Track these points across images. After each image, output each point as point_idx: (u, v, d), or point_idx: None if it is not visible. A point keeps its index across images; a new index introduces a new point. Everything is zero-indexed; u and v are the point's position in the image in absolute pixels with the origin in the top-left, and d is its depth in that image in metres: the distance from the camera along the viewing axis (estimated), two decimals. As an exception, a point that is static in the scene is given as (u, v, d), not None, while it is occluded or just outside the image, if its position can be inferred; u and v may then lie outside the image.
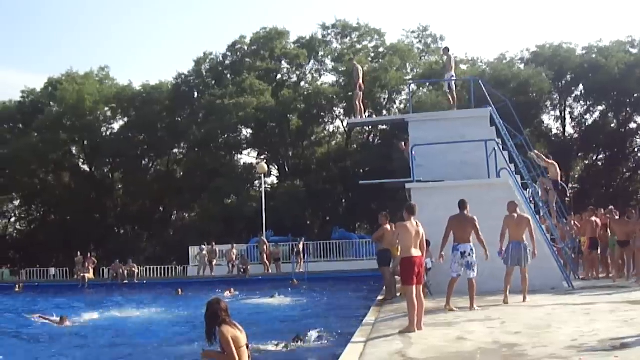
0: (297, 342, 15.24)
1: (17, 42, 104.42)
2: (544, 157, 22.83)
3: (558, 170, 22.28)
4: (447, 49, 24.17)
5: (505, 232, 16.08)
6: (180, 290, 32.95)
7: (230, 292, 30.44)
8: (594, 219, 21.60)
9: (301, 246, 40.08)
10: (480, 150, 19.13)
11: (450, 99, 23.40)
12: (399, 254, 20.43)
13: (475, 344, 10.68)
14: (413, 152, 19.47)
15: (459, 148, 19.97)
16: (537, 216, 19.82)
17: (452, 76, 23.30)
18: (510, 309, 14.66)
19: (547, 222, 21.13)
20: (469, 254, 14.72)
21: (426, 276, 17.06)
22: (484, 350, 10.16)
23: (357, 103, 23.88)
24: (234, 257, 40.50)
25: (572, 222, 23.76)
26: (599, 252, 21.88)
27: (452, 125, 21.17)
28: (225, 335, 8.32)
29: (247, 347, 8.64)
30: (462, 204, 15.06)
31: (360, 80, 23.92)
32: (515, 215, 16.29)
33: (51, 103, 60.87)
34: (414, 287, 12.44)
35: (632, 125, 55.62)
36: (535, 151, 23.40)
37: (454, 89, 23.61)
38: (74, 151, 64.07)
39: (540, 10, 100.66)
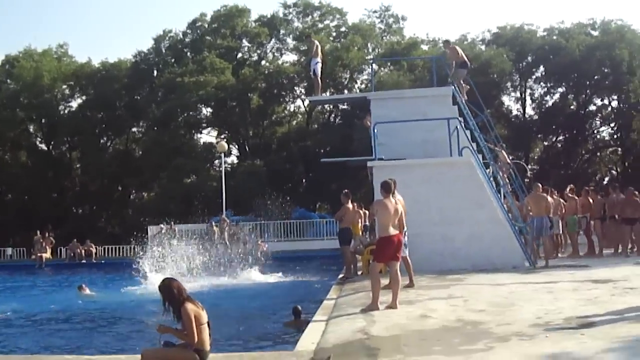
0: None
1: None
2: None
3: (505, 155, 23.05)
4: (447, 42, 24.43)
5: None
6: None
7: None
8: (550, 198, 21.71)
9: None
10: (443, 129, 19.03)
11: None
12: (360, 233, 20.58)
13: (438, 321, 10.62)
14: (375, 130, 19.34)
15: (422, 126, 19.88)
16: (499, 195, 19.84)
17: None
18: (473, 287, 14.65)
19: (508, 201, 21.19)
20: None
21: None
22: (447, 327, 10.08)
23: (317, 79, 23.47)
24: (216, 236, 39.80)
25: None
26: (559, 231, 22.16)
27: (415, 104, 21.09)
28: (188, 312, 8.34)
29: (209, 324, 8.60)
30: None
31: (319, 56, 23.49)
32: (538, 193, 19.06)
33: (8, 80, 59.69)
34: (393, 263, 12.38)
35: (592, 108, 56.13)
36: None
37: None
38: (31, 129, 62.96)
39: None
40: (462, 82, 22.59)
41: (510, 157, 25.39)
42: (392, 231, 12.23)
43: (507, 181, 22.58)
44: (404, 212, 12.94)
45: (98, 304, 21.34)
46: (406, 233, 14.34)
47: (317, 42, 24.24)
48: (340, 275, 19.47)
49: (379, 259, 12.56)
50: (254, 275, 27.12)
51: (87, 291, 23.96)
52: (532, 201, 20.07)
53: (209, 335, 8.65)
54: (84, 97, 61.64)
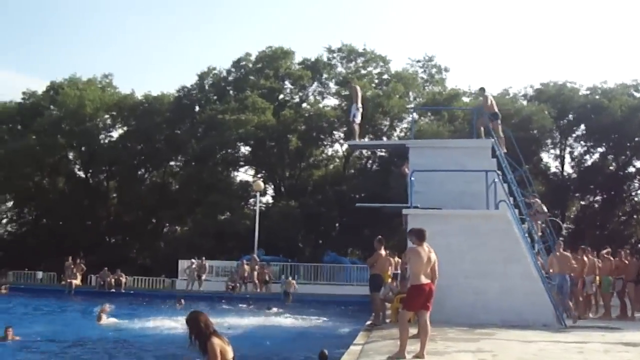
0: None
1: (24, 45, 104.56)
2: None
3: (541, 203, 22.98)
4: (482, 89, 24.25)
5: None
6: (182, 301, 32.41)
7: (181, 304, 30.86)
8: (584, 258, 21.52)
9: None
10: (481, 181, 18.91)
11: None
12: (389, 280, 20.43)
13: (466, 375, 10.46)
14: (412, 178, 19.27)
15: (459, 177, 19.76)
16: (533, 251, 19.64)
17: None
18: (502, 342, 14.42)
19: (542, 259, 20.96)
20: None
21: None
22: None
23: (355, 125, 23.36)
24: (246, 274, 40.04)
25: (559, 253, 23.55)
26: (592, 291, 21.87)
27: (453, 154, 20.97)
28: (214, 347, 8.29)
29: (234, 360, 8.55)
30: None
31: (359, 102, 23.39)
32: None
33: (51, 107, 60.45)
34: (423, 313, 12.23)
35: (631, 169, 55.46)
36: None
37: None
38: (71, 156, 63.74)
39: (546, 48, 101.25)
40: (501, 133, 22.48)
41: (547, 214, 25.13)
42: (424, 280, 12.09)
43: (539, 231, 22.34)
44: (437, 261, 12.80)
45: (122, 334, 21.35)
46: None
47: (358, 88, 24.20)
48: (369, 322, 19.31)
49: (409, 307, 12.42)
50: (281, 316, 27.02)
51: (106, 318, 24.08)
52: (555, 259, 19.93)
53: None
54: (124, 128, 62.37)
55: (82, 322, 24.86)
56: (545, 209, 23.79)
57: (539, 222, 22.70)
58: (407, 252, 13.08)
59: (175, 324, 21.71)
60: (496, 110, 23.17)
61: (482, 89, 24.19)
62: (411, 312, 12.53)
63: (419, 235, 12.40)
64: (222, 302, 33.99)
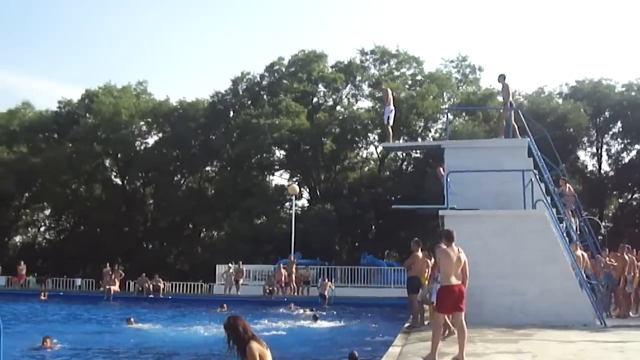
0: None
1: (59, 54, 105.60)
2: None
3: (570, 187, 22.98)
4: (502, 76, 22.81)
5: None
6: (224, 306, 32.43)
7: (223, 308, 30.88)
8: (627, 256, 21.31)
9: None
10: (517, 181, 18.76)
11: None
12: (426, 282, 20.35)
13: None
14: (448, 179, 19.20)
15: (495, 177, 19.64)
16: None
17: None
18: (541, 343, 14.32)
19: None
20: None
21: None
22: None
23: (389, 127, 23.25)
24: (283, 278, 40.12)
25: (607, 259, 23.31)
26: (632, 289, 21.60)
27: (489, 154, 20.82)
28: (254, 352, 8.29)
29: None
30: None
31: (392, 103, 23.18)
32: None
33: (87, 114, 60.98)
34: (457, 314, 12.16)
35: (669, 166, 54.83)
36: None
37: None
38: (107, 164, 64.21)
39: (581, 45, 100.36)
40: (512, 122, 22.25)
41: (585, 213, 24.91)
42: (454, 281, 12.04)
43: (571, 216, 22.11)
44: (467, 262, 12.67)
45: (158, 339, 21.47)
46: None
47: (389, 90, 24.08)
48: (407, 324, 19.24)
49: (440, 309, 12.38)
50: (317, 320, 26.99)
51: (134, 324, 24.34)
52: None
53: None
54: (160, 134, 62.79)
55: (118, 328, 25.00)
56: (573, 192, 23.49)
57: (570, 209, 22.40)
58: (437, 252, 13.00)
59: (215, 329, 21.77)
60: (511, 100, 22.88)
61: (502, 76, 22.73)
62: (444, 314, 12.41)
63: (447, 236, 12.36)
64: (260, 306, 34.06)
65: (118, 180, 64.42)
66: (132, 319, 25.05)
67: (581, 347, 13.60)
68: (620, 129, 53.91)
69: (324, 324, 26.51)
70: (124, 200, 61.83)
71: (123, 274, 43.72)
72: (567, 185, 23.17)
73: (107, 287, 41.31)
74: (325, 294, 36.45)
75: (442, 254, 12.33)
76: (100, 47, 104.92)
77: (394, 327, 21.91)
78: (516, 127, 22.23)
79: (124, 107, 59.11)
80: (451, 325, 13.72)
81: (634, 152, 54.77)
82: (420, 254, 19.17)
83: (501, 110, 23.06)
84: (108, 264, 43.37)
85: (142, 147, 63.10)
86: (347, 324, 27.07)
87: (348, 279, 42.64)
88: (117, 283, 42.70)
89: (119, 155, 62.14)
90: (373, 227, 57.50)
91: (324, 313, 30.58)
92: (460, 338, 12.10)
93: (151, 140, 63.60)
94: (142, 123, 62.48)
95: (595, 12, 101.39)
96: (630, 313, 21.47)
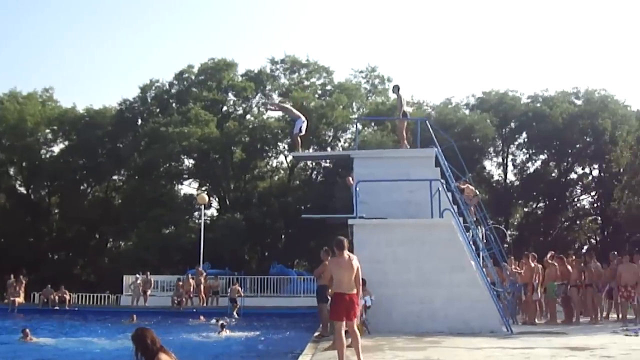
0: None
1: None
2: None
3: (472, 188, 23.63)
4: (397, 87, 23.56)
5: None
6: (134, 317, 31.87)
7: (132, 320, 30.46)
8: (533, 264, 21.84)
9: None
10: (425, 190, 18.99)
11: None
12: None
13: (414, 384, 10.44)
14: (357, 188, 19.28)
15: (404, 187, 19.86)
16: (478, 259, 19.77)
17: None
18: (450, 350, 14.46)
19: (487, 265, 21.11)
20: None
21: (365, 314, 16.85)
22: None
23: (297, 137, 23.25)
24: (192, 289, 39.63)
25: (513, 267, 23.76)
26: (538, 297, 22.10)
27: (398, 164, 21.05)
28: (163, 364, 8.11)
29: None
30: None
31: (300, 114, 23.36)
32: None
33: (-9, 121, 59.33)
34: (349, 323, 12.14)
35: (573, 176, 56.30)
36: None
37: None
38: (11, 172, 62.48)
39: (488, 57, 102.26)
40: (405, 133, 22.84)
41: (490, 222, 25.34)
42: (345, 289, 12.00)
43: (473, 213, 22.62)
44: (359, 268, 12.53)
45: (61, 352, 21.00)
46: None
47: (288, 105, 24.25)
48: (317, 333, 19.22)
49: (334, 316, 12.36)
50: (228, 329, 26.79)
51: (31, 337, 23.70)
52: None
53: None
54: (66, 143, 61.39)
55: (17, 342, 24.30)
56: (477, 193, 24.04)
57: (472, 206, 22.93)
58: (329, 263, 13.01)
59: (120, 341, 21.39)
60: (405, 110, 23.26)
61: (397, 87, 23.26)
62: (342, 322, 12.30)
63: (338, 245, 12.29)
64: (169, 317, 33.65)
65: (23, 189, 62.73)
66: (27, 331, 24.30)
67: (488, 354, 13.78)
68: (526, 140, 55.03)
69: (234, 334, 26.32)
70: (28, 210, 60.24)
71: (24, 283, 42.53)
72: (467, 184, 23.61)
73: (12, 298, 40.23)
74: (235, 297, 36.24)
75: (331, 263, 12.42)
76: (4, 52, 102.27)
77: (304, 336, 21.89)
78: (407, 136, 22.78)
79: (29, 114, 57.60)
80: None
81: (538, 162, 56.14)
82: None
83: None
84: (12, 275, 42.26)
85: (48, 156, 61.57)
86: (256, 333, 26.92)
87: (258, 288, 42.42)
88: (22, 294, 41.64)
89: (23, 164, 60.53)
90: (283, 237, 57.42)
91: (234, 320, 30.43)
92: (354, 344, 12.14)
93: (57, 149, 62.12)
94: (47, 131, 60.98)
95: (501, 25, 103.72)
96: (536, 320, 21.93)
